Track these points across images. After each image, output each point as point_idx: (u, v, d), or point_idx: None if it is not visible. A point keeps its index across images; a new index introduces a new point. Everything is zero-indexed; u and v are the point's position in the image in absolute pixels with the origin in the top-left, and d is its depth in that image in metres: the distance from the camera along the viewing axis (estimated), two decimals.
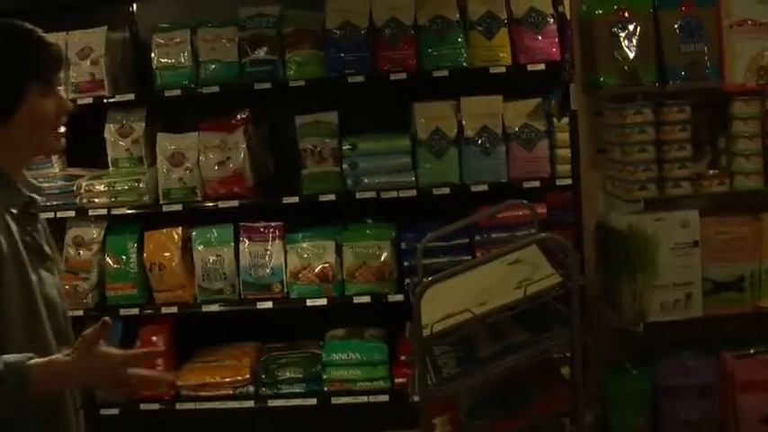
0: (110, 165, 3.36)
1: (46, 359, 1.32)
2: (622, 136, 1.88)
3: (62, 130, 1.48)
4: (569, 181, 2.92)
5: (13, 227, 1.39)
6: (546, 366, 1.97)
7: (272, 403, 3.22)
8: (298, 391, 3.21)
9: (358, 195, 3.18)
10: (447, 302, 1.89)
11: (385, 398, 3.15)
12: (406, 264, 3.16)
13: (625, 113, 1.85)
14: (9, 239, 1.37)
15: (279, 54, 3.22)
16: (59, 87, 1.48)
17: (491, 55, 3.18)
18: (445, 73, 3.14)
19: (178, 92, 3.24)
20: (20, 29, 1.45)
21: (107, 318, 1.31)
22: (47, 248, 1.49)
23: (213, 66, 3.24)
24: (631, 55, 1.85)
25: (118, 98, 3.28)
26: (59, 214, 3.28)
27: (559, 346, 1.83)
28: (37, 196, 1.50)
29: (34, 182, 1.55)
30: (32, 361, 1.30)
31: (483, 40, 3.18)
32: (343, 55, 3.16)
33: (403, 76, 3.14)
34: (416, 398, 1.88)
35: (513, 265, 2.06)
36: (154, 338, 3.26)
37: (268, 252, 3.25)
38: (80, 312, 3.21)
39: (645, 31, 1.87)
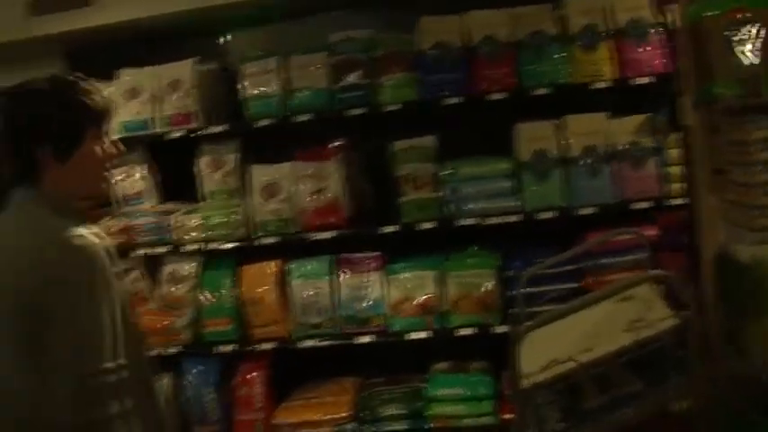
0: (203, 198, 4.10)
1: None
2: (743, 155, 1.97)
3: (108, 174, 2.10)
4: (682, 200, 3.49)
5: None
6: (662, 420, 2.11)
7: None
8: (401, 428, 3.81)
9: (459, 222, 3.78)
10: (550, 347, 2.10)
11: None
12: (511, 293, 3.75)
13: (746, 129, 1.93)
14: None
15: (371, 78, 3.87)
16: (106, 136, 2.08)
17: (593, 70, 3.73)
18: (546, 91, 3.71)
19: (269, 121, 3.95)
20: (78, 80, 2.06)
21: None
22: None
23: (304, 93, 3.92)
24: (750, 61, 1.91)
25: (209, 130, 4.03)
26: (154, 250, 4.06)
27: (677, 397, 1.97)
28: None
29: None
30: None
31: (584, 55, 3.73)
32: (438, 76, 3.79)
33: (501, 95, 3.73)
34: None
35: (622, 303, 2.24)
36: (251, 375, 3.98)
37: (367, 284, 3.92)
38: (175, 350, 4.01)
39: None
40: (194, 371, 4.07)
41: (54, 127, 1.94)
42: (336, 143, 4.05)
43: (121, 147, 2.13)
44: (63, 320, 1.80)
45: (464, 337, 3.83)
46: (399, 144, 3.95)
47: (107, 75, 4.09)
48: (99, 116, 2.03)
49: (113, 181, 4.18)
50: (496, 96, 3.79)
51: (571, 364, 1.95)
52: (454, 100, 3.81)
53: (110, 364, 1.83)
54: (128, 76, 4.16)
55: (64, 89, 2.01)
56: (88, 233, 1.92)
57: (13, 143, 1.96)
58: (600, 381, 2.02)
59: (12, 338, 1.80)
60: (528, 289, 3.41)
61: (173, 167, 4.25)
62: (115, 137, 3.79)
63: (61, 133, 1.95)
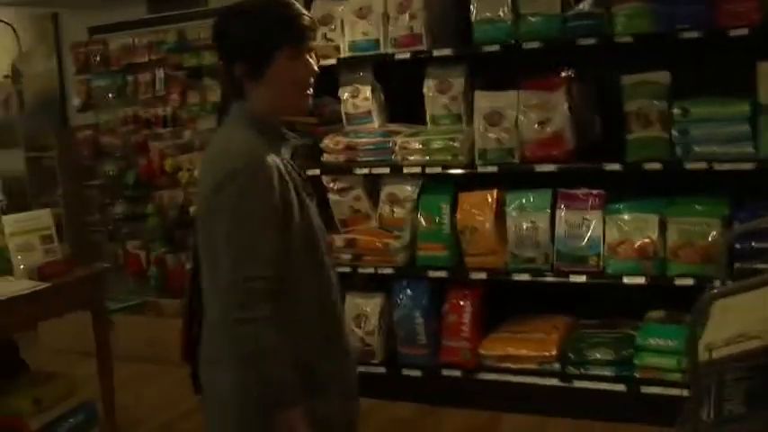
0: (428, 122, 4.89)
1: None
2: None
3: (310, 91, 2.39)
4: None
5: (290, 168, 2.37)
6: None
7: (577, 384, 4.50)
8: (607, 374, 4.44)
9: (687, 166, 4.24)
10: (745, 316, 2.13)
11: None
12: (737, 246, 4.01)
13: None
14: (291, 180, 2.32)
15: (605, 7, 4.36)
16: (311, 54, 2.32)
17: None
18: None
19: (497, 47, 4.59)
20: (280, 6, 2.31)
21: None
22: (309, 188, 2.39)
23: (534, 19, 4.51)
24: None
25: (436, 53, 4.74)
26: (375, 170, 4.88)
27: None
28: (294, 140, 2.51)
29: (289, 133, 2.44)
30: None
31: None
32: (677, 8, 4.20)
33: (745, 31, 4.08)
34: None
35: None
36: (462, 303, 4.80)
37: (586, 222, 4.51)
38: (389, 270, 4.89)
39: None
40: (406, 293, 4.94)
41: (243, 46, 2.36)
42: (564, 73, 4.65)
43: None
44: (220, 224, 2.22)
45: (682, 287, 4.33)
46: (630, 78, 4.46)
47: None
48: (293, 34, 2.31)
49: (344, 99, 5.06)
50: (739, 32, 4.16)
51: (759, 342, 1.96)
52: (692, 34, 4.24)
53: (258, 273, 2.19)
54: None
55: (256, 9, 2.34)
56: (272, 158, 2.32)
57: (222, 60, 2.47)
58: None
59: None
60: (754, 244, 3.93)
61: (399, 89, 5.07)
62: (344, 55, 4.71)
63: (250, 52, 2.35)
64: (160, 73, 6.88)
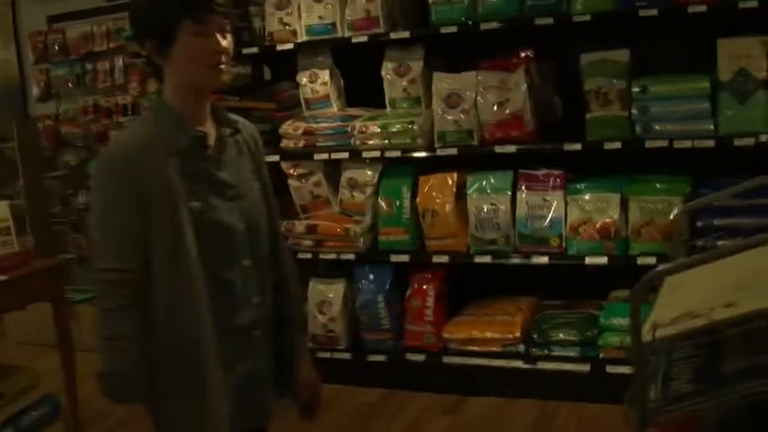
0: (387, 105, 4.84)
1: None
2: None
3: (222, 66, 2.37)
4: None
5: (175, 162, 2.35)
6: None
7: (541, 365, 4.50)
8: (571, 354, 4.44)
9: (647, 144, 4.22)
10: (692, 294, 2.17)
11: None
12: (699, 224, 4.01)
13: None
14: (162, 176, 2.33)
15: None
16: (217, 31, 2.31)
17: None
18: (754, 3, 3.99)
19: (455, 28, 4.55)
20: None
21: None
22: (225, 177, 2.39)
23: (492, 0, 4.50)
24: None
25: (393, 36, 4.69)
26: (334, 155, 4.84)
27: None
28: (229, 129, 2.49)
29: (230, 116, 2.50)
30: None
31: None
32: None
33: (703, 8, 4.06)
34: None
35: None
36: (424, 287, 4.76)
37: (547, 203, 4.49)
38: (351, 256, 4.84)
39: None
40: (368, 278, 4.92)
41: (148, 21, 2.38)
42: (523, 54, 4.62)
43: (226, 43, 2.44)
44: (93, 222, 2.45)
45: (645, 266, 4.26)
46: (589, 56, 4.45)
47: None
48: (195, 9, 2.32)
49: (302, 84, 5.00)
50: (698, 9, 4.15)
51: (703, 320, 1.98)
52: (651, 11, 4.22)
53: (113, 266, 2.28)
54: None
55: None
56: (144, 154, 2.35)
57: (137, 42, 2.48)
58: (749, 340, 2.00)
59: None
60: (715, 221, 3.92)
61: (357, 73, 5.02)
62: (301, 40, 4.67)
63: (155, 27, 2.35)
64: (119, 61, 6.79)
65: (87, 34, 6.96)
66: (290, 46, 5.01)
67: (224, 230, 2.41)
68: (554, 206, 4.55)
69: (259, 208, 2.53)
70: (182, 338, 2.33)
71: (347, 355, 4.98)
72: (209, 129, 2.46)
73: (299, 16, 4.96)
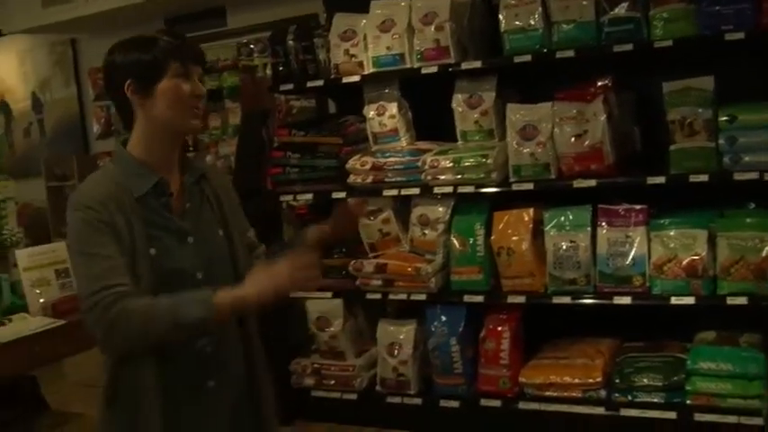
0: (458, 138, 4.72)
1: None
2: None
3: (197, 111, 2.60)
4: None
5: (136, 208, 2.53)
6: None
7: (625, 412, 4.28)
8: (656, 401, 4.24)
9: (736, 176, 4.04)
10: None
11: (758, 421, 3.97)
12: None
13: None
14: (126, 220, 2.50)
15: (642, 10, 4.20)
16: (198, 78, 2.59)
17: None
18: None
19: (529, 57, 4.42)
20: (168, 31, 2.68)
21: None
22: (185, 224, 2.58)
23: (567, 27, 4.35)
24: None
25: (464, 66, 4.57)
26: (404, 191, 4.71)
27: None
28: (192, 177, 2.67)
29: (197, 164, 2.76)
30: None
31: None
32: (719, 8, 4.02)
33: None
34: None
35: None
36: (499, 329, 4.58)
37: (629, 239, 4.31)
38: (422, 296, 4.70)
39: None
40: (440, 320, 4.76)
41: (134, 62, 2.55)
42: (601, 82, 4.46)
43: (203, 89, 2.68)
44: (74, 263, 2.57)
45: (735, 306, 4.14)
46: (672, 85, 4.27)
47: (361, 7, 4.85)
48: (182, 53, 2.58)
49: (369, 117, 4.89)
50: None
51: None
52: (737, 35, 4.05)
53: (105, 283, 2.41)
54: (379, 9, 4.85)
55: (144, 36, 2.65)
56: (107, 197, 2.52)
57: (111, 88, 2.63)
58: None
59: None
60: None
61: (427, 105, 4.90)
62: (367, 71, 4.59)
63: (141, 67, 2.54)
64: None
65: None
66: (356, 78, 4.91)
67: (179, 277, 2.55)
68: (636, 243, 4.37)
69: (222, 256, 2.68)
70: (132, 380, 2.55)
71: (418, 401, 4.82)
72: (174, 176, 2.65)
73: (366, 47, 4.86)
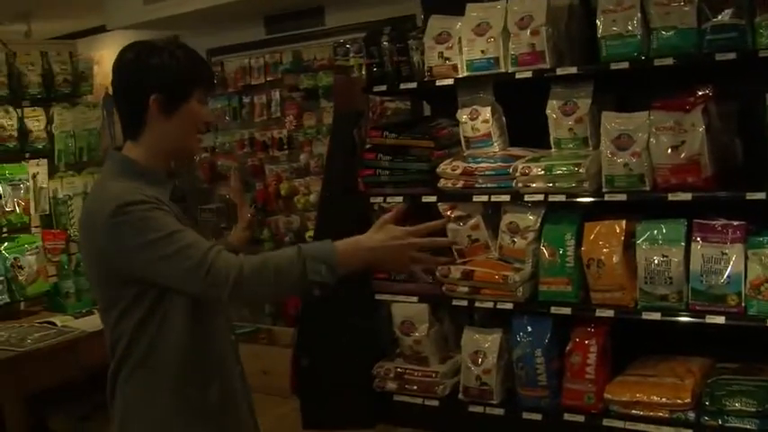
0: (552, 146, 4.65)
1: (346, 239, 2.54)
2: None
3: (200, 137, 2.75)
4: None
5: (174, 208, 2.62)
6: None
7: None
8: (749, 427, 4.08)
9: None
10: None
11: None
12: None
13: None
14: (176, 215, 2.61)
15: (747, 17, 4.05)
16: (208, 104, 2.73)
17: None
18: None
19: (626, 64, 4.32)
20: (194, 51, 2.71)
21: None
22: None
23: (667, 33, 4.22)
24: None
25: (560, 71, 4.49)
26: (494, 198, 4.66)
27: None
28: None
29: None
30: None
31: None
32: None
33: None
34: None
35: None
36: (586, 342, 4.51)
37: (725, 256, 4.17)
38: (509, 305, 4.64)
39: None
40: (526, 330, 4.70)
41: (167, 75, 2.60)
42: (701, 92, 4.33)
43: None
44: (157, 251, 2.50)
45: None
46: None
47: (457, 10, 4.82)
48: (208, 78, 2.72)
49: (462, 121, 4.87)
50: None
51: None
52: None
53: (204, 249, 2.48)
54: (475, 12, 4.80)
55: (178, 46, 2.71)
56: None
57: (130, 93, 2.63)
58: None
59: None
60: None
61: (520, 110, 4.84)
62: (461, 75, 4.54)
63: (172, 83, 2.60)
64: (276, 95, 6.82)
65: (245, 67, 7.03)
66: (449, 81, 4.87)
67: None
68: (733, 260, 4.22)
69: None
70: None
71: (500, 411, 4.78)
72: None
73: (460, 50, 4.81)
